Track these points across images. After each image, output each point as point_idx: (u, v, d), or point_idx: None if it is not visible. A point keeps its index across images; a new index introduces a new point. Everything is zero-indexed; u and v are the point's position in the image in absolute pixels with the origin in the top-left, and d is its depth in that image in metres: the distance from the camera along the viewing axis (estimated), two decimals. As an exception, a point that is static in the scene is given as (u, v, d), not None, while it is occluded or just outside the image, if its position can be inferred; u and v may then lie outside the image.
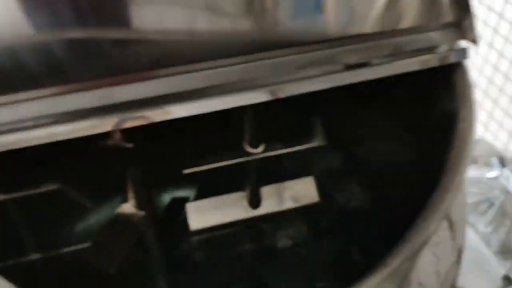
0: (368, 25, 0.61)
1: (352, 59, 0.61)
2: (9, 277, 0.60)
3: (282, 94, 0.59)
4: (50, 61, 0.52)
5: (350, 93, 0.67)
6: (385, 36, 0.62)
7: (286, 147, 0.87)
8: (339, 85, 0.61)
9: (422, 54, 0.63)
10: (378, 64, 0.62)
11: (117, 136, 0.74)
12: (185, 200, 0.95)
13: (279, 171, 1.00)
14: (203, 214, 0.95)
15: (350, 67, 0.61)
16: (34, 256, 0.90)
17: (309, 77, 0.60)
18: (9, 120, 0.53)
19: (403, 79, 0.64)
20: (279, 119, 0.90)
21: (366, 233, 0.90)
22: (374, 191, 0.94)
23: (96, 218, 0.83)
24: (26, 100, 0.53)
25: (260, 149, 0.85)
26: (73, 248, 0.90)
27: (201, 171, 0.87)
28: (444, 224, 0.56)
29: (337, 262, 0.95)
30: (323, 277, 0.94)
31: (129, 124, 0.56)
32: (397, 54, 0.63)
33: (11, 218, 0.83)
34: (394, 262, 0.41)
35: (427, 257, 0.53)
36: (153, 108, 0.56)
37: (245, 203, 0.96)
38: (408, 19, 0.62)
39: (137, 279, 0.92)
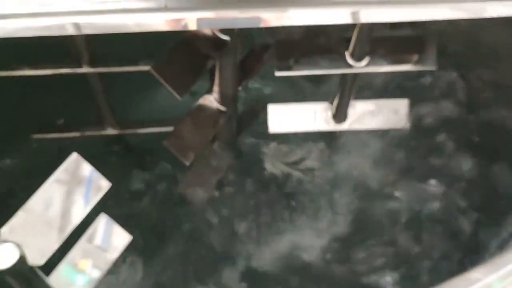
0: None
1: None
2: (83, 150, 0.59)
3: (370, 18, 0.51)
4: None
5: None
6: None
7: (393, 64, 0.78)
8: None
9: None
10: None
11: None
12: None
13: (372, 88, 0.92)
14: (283, 119, 0.90)
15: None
16: (111, 131, 0.89)
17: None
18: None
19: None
20: (391, 35, 0.81)
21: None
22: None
23: (180, 106, 0.79)
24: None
25: (364, 62, 0.77)
26: (151, 130, 0.89)
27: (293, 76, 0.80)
28: None
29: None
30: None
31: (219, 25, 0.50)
32: None
33: (95, 92, 0.81)
34: None
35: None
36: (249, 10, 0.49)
37: (329, 115, 0.90)
38: None
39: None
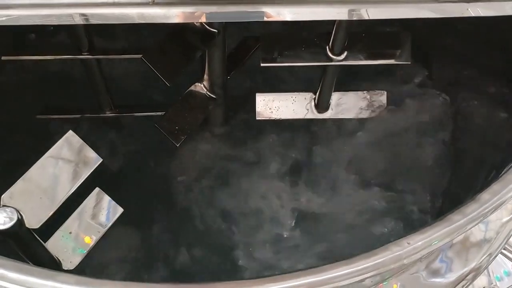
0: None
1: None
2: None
3: (367, 16, 0.56)
4: None
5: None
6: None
7: (369, 59, 0.84)
8: (448, 16, 0.56)
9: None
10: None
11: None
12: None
13: (355, 80, 0.98)
14: (270, 106, 0.96)
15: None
16: (109, 113, 0.96)
17: (414, 2, 0.56)
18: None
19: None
20: (368, 29, 0.86)
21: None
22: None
23: (171, 92, 0.85)
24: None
25: (342, 56, 0.82)
26: (147, 113, 0.96)
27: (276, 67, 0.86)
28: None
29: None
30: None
31: (222, 18, 0.55)
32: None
33: (93, 76, 0.88)
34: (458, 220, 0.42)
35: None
36: (245, 6, 0.55)
37: (312, 104, 0.96)
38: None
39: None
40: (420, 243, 0.39)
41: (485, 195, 0.43)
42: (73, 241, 0.68)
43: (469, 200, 0.43)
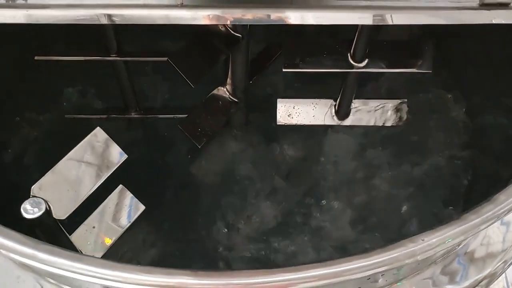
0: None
1: (492, -4, 0.57)
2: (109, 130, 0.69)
3: (396, 21, 0.57)
4: None
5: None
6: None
7: (390, 67, 0.85)
8: (469, 23, 0.57)
9: None
10: (518, 8, 0.57)
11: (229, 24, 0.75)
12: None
13: (377, 89, 0.99)
14: (290, 112, 0.98)
15: (486, 5, 0.57)
16: (134, 114, 0.99)
17: (436, 8, 0.57)
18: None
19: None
20: (390, 37, 0.87)
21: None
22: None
23: (194, 95, 0.88)
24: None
25: (363, 64, 0.84)
26: (169, 115, 0.98)
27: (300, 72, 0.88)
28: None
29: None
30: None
31: (248, 21, 0.57)
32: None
33: (119, 78, 0.91)
34: (473, 220, 0.42)
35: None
36: (269, 10, 0.57)
37: (332, 111, 0.97)
38: None
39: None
40: (434, 240, 0.40)
41: (501, 196, 0.43)
42: (95, 236, 0.71)
43: (484, 201, 0.43)
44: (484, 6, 0.57)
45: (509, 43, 0.81)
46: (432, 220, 0.92)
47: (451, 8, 0.58)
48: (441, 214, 0.92)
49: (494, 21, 0.57)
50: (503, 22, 0.57)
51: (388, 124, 0.96)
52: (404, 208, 0.94)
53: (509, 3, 0.57)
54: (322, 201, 0.96)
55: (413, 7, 0.58)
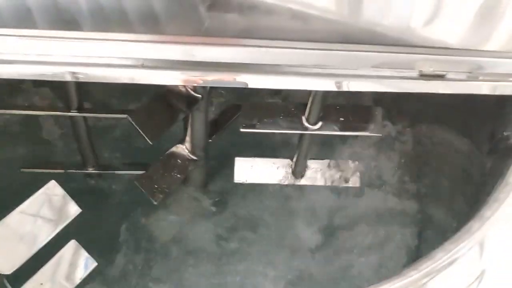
0: (453, 39, 0.61)
1: (429, 69, 0.62)
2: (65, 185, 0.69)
3: (347, 88, 0.62)
4: (147, 11, 0.56)
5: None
6: (468, 54, 0.62)
7: (343, 130, 0.89)
8: (409, 91, 0.62)
9: (501, 80, 0.63)
10: (453, 79, 0.63)
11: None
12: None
13: (330, 150, 1.03)
14: (248, 170, 1.00)
15: (425, 76, 0.62)
16: (91, 170, 0.98)
17: (381, 77, 0.62)
18: (100, 55, 0.58)
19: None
20: (343, 101, 0.92)
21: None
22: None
23: (154, 152, 0.89)
24: (117, 40, 0.58)
25: (317, 126, 0.88)
26: (126, 171, 0.99)
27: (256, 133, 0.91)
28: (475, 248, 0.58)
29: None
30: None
31: (204, 83, 0.60)
32: (475, 73, 0.63)
33: (78, 134, 0.91)
34: (412, 275, 0.44)
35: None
36: (230, 74, 0.60)
37: (289, 170, 1.00)
38: (495, 42, 0.61)
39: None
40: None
41: (438, 253, 0.46)
42: (43, 294, 0.69)
43: (423, 257, 0.46)
44: (423, 77, 0.62)
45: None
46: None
47: (395, 78, 0.63)
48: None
49: (431, 91, 0.62)
50: (440, 91, 0.63)
51: (342, 184, 1.00)
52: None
53: (445, 75, 0.62)
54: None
55: (364, 75, 0.63)
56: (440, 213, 0.95)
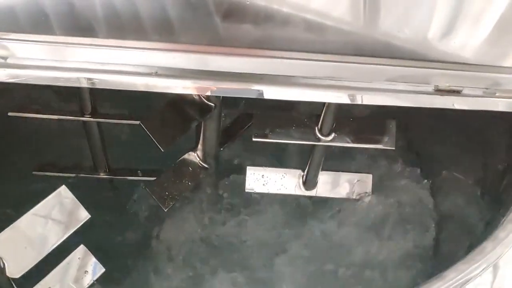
0: (470, 54, 0.60)
1: (445, 84, 0.61)
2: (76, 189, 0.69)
3: (360, 101, 0.61)
4: (162, 19, 0.56)
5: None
6: (485, 69, 0.61)
7: (356, 142, 0.88)
8: (424, 106, 0.61)
9: (517, 97, 0.62)
10: (469, 95, 0.62)
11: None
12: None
13: (343, 161, 1.02)
14: (259, 180, 1.00)
15: (440, 91, 0.61)
16: (103, 175, 0.99)
17: (396, 91, 0.61)
18: (115, 62, 0.58)
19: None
20: (356, 114, 0.92)
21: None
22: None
23: (165, 158, 0.89)
24: (132, 47, 0.58)
25: (330, 137, 0.87)
26: (138, 177, 0.99)
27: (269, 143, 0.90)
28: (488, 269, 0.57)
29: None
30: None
31: (217, 92, 0.60)
32: (492, 89, 0.62)
33: (91, 138, 0.92)
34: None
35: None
36: (244, 84, 0.60)
37: (300, 181, 1.00)
38: (513, 59, 0.60)
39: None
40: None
41: (451, 273, 0.45)
42: (50, 298, 0.69)
43: (435, 277, 0.45)
44: (438, 92, 0.61)
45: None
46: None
47: (410, 92, 0.62)
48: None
49: (446, 106, 0.61)
50: (456, 107, 0.62)
51: (354, 196, 0.99)
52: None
53: (461, 91, 0.61)
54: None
55: (378, 89, 0.62)
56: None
